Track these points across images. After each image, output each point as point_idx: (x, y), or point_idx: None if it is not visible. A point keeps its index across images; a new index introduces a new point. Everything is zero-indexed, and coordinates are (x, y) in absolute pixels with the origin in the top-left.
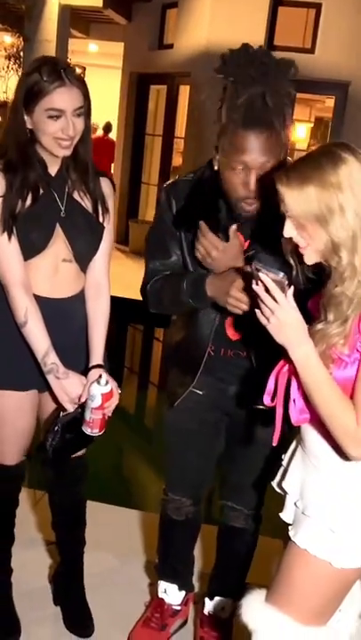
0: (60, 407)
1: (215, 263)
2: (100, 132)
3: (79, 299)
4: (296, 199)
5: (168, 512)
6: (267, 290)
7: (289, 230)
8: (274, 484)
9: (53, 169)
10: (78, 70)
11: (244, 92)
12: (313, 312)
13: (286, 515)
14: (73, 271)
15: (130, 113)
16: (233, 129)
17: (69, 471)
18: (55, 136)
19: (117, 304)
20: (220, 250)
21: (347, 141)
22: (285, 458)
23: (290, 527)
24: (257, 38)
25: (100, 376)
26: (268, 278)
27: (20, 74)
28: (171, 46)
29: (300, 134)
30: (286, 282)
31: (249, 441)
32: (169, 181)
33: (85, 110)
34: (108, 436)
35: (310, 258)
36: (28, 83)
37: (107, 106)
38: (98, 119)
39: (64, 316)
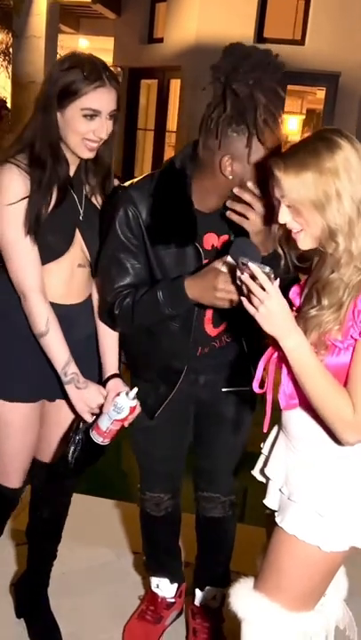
0: (78, 417)
1: (252, 225)
2: None
3: (88, 304)
4: (294, 184)
5: (147, 510)
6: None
7: (284, 216)
8: (255, 471)
9: (71, 169)
10: (115, 71)
11: (244, 90)
12: (293, 301)
13: (270, 501)
14: (85, 276)
15: (121, 108)
16: (259, 123)
17: (59, 481)
18: (85, 137)
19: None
20: (256, 211)
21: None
22: (266, 445)
23: (276, 513)
24: (247, 31)
25: (130, 389)
26: (258, 269)
27: (9, 71)
28: (161, 40)
29: (292, 127)
30: (272, 275)
31: (220, 426)
32: (123, 192)
33: (117, 114)
34: None
35: (304, 243)
36: (65, 78)
37: None
38: None
39: (73, 324)
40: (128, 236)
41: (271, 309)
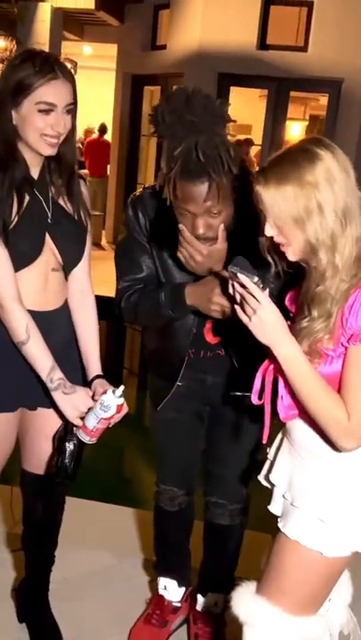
0: (64, 423)
1: (198, 267)
2: (94, 135)
3: (65, 309)
4: (274, 199)
5: (161, 504)
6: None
7: (269, 230)
8: (261, 477)
9: (35, 171)
10: (69, 65)
11: (177, 146)
12: (290, 307)
13: (274, 507)
14: (60, 281)
15: (125, 114)
16: (173, 180)
17: (49, 490)
18: (43, 132)
19: (117, 309)
20: (204, 254)
21: (339, 138)
22: (271, 451)
23: (279, 519)
24: (249, 38)
25: (117, 387)
26: (248, 279)
27: None
28: (164, 47)
29: (295, 133)
30: (261, 285)
31: (229, 431)
32: (134, 194)
33: (74, 108)
34: (106, 436)
35: (293, 256)
36: (17, 74)
37: (102, 107)
38: (93, 121)
39: (52, 330)
40: (138, 234)
41: (264, 318)
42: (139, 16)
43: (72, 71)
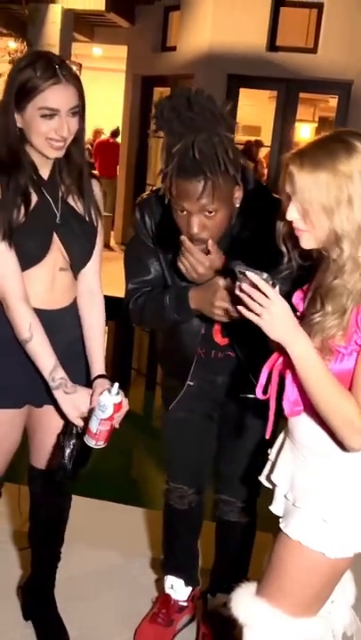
0: (68, 422)
1: (201, 278)
2: (104, 136)
3: (73, 308)
4: (306, 183)
5: (171, 502)
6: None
7: (292, 213)
8: (262, 477)
9: (45, 172)
10: (74, 67)
11: (176, 143)
12: (297, 306)
13: (276, 507)
14: (68, 280)
15: (134, 116)
16: (170, 177)
17: (57, 485)
18: (48, 136)
19: (125, 311)
20: (206, 266)
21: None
22: (273, 451)
23: (280, 519)
24: (259, 39)
25: (112, 385)
26: (256, 276)
27: None
28: (174, 48)
29: (305, 134)
30: (271, 282)
31: (238, 430)
32: (141, 197)
33: (80, 110)
34: (114, 436)
35: (307, 242)
36: (19, 79)
37: (111, 109)
38: (103, 122)
39: (59, 328)
40: (145, 236)
41: (275, 314)
42: (149, 17)
43: (77, 73)
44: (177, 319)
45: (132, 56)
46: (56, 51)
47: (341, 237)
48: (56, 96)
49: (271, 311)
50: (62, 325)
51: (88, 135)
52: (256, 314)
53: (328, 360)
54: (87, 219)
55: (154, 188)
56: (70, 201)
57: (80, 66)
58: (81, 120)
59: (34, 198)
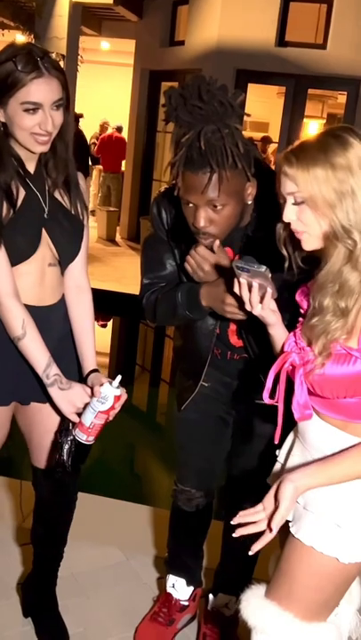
0: (64, 419)
1: (206, 277)
2: (109, 131)
3: (62, 305)
4: (306, 180)
5: (179, 503)
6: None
7: (290, 214)
8: (270, 480)
9: (31, 166)
10: (56, 58)
11: (184, 133)
12: (300, 303)
13: None
14: (57, 276)
15: (141, 110)
16: (177, 168)
17: (62, 485)
18: (32, 131)
19: (129, 302)
20: (212, 263)
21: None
22: (282, 454)
23: (290, 523)
24: (268, 34)
25: (114, 378)
26: (247, 280)
27: None
28: (182, 43)
29: (313, 131)
30: (270, 275)
31: (251, 435)
32: (159, 191)
33: (65, 102)
34: (118, 431)
35: (308, 244)
36: (0, 72)
37: (118, 103)
38: (110, 116)
39: (48, 325)
40: (161, 232)
41: (286, 507)
42: (157, 11)
43: (59, 64)
44: (188, 316)
45: (139, 50)
46: (64, 44)
47: (350, 230)
48: (39, 90)
49: (284, 511)
50: (52, 322)
51: (94, 130)
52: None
53: (327, 362)
54: (74, 213)
55: (171, 183)
56: (57, 195)
57: (63, 56)
58: (66, 112)
59: (21, 193)
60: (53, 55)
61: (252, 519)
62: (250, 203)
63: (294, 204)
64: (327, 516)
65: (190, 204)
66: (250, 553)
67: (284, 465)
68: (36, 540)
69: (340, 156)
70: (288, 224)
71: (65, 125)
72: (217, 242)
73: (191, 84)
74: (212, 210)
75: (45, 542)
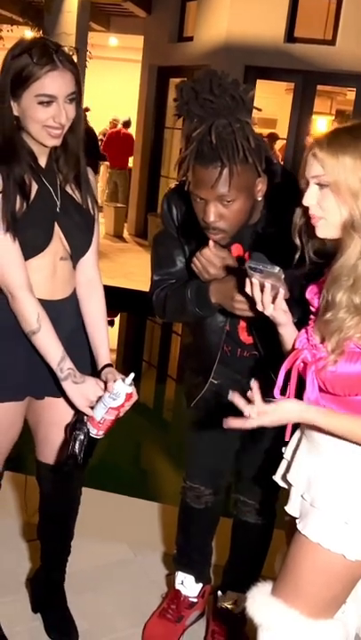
0: (76, 413)
1: (213, 279)
2: (119, 127)
3: (73, 299)
4: (333, 166)
5: (188, 500)
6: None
7: (310, 198)
8: (277, 477)
9: (43, 161)
10: (69, 51)
11: (195, 127)
12: (311, 301)
13: (292, 508)
14: (69, 270)
15: (149, 106)
16: (187, 162)
17: (65, 479)
18: (45, 124)
19: (137, 298)
20: (217, 267)
21: None
22: (288, 450)
23: (297, 520)
24: (277, 30)
25: (127, 375)
26: (260, 280)
27: None
28: (191, 39)
29: (321, 127)
30: (283, 275)
31: (261, 433)
32: (170, 188)
33: (77, 96)
34: (126, 428)
35: (324, 231)
36: (15, 66)
37: (127, 99)
38: (117, 112)
39: (60, 319)
40: (171, 228)
41: (279, 418)
42: (166, 7)
43: (73, 58)
44: (198, 313)
45: (148, 46)
46: (72, 40)
47: None
48: (53, 82)
49: (273, 420)
50: (63, 316)
51: (104, 126)
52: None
53: (339, 360)
54: (85, 207)
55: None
56: (68, 190)
57: (77, 49)
58: (78, 107)
59: (34, 187)
60: (67, 49)
61: (243, 409)
62: (260, 199)
63: (318, 185)
64: (334, 512)
65: (200, 199)
66: (224, 425)
67: (290, 462)
68: (42, 535)
69: None
70: (306, 210)
71: (77, 120)
72: (211, 243)
73: (203, 78)
74: (222, 205)
75: (51, 537)
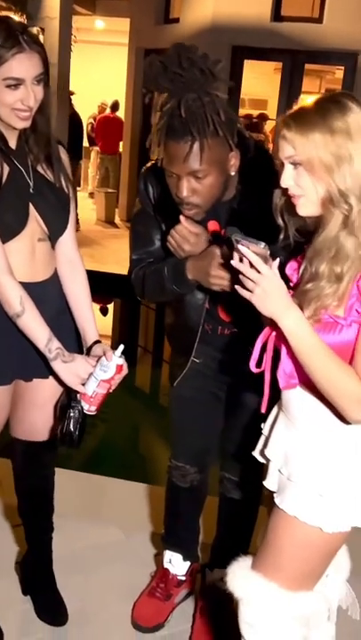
0: (66, 391)
1: (188, 255)
2: (107, 111)
3: (55, 279)
4: (303, 144)
5: (173, 479)
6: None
7: (287, 179)
8: (255, 452)
9: (12, 142)
10: (35, 32)
11: (164, 103)
12: (290, 277)
13: (270, 482)
14: (47, 250)
15: (137, 90)
16: (159, 138)
17: (38, 455)
18: (14, 107)
19: (129, 283)
20: (192, 243)
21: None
22: (266, 425)
23: (275, 494)
24: (264, 9)
25: (117, 348)
26: (249, 251)
27: None
28: (177, 20)
29: None
30: (268, 252)
31: (243, 410)
32: (145, 167)
33: (45, 77)
34: (120, 412)
35: (304, 209)
36: None
37: (114, 83)
38: (106, 97)
39: (43, 301)
40: (148, 207)
41: (266, 290)
42: None
43: (39, 39)
44: (176, 291)
45: (134, 29)
46: (56, 24)
47: (347, 194)
48: (21, 65)
49: (263, 286)
50: (46, 297)
51: (93, 110)
52: (248, 289)
53: (319, 331)
54: (59, 186)
55: (158, 157)
56: (40, 170)
57: (42, 30)
58: (46, 88)
59: (5, 169)
60: (35, 30)
61: (238, 266)
62: (233, 174)
63: (292, 164)
64: (310, 486)
65: (173, 175)
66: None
67: (268, 437)
68: (22, 514)
69: (339, 120)
70: (285, 190)
71: (45, 100)
72: (182, 218)
73: (171, 53)
74: (195, 179)
75: (32, 514)
